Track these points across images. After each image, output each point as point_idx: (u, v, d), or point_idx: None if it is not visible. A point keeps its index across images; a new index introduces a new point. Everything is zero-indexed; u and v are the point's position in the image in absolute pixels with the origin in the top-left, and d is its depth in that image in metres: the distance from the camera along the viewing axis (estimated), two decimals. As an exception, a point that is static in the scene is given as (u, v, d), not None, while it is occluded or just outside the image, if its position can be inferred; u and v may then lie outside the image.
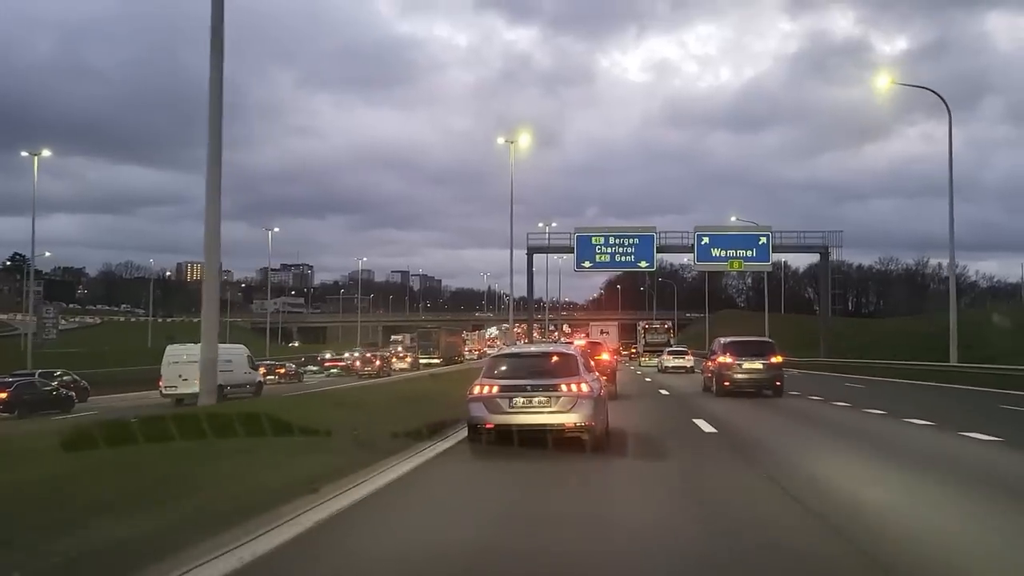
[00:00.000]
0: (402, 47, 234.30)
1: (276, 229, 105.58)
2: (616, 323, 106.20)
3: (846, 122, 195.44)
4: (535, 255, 59.19)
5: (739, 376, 24.88)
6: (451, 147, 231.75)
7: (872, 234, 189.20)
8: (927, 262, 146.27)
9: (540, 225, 61.54)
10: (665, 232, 57.97)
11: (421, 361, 74.67)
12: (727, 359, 25.43)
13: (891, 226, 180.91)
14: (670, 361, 46.96)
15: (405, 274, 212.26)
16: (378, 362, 61.09)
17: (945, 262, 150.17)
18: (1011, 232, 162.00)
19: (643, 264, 57.35)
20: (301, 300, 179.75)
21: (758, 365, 25.06)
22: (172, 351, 33.09)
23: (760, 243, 56.54)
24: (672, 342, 65.91)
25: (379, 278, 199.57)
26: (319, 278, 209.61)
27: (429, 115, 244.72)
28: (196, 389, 24.61)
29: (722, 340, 26.89)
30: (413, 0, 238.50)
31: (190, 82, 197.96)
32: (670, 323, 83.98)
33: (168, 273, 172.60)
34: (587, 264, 57.45)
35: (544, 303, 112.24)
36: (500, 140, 57.59)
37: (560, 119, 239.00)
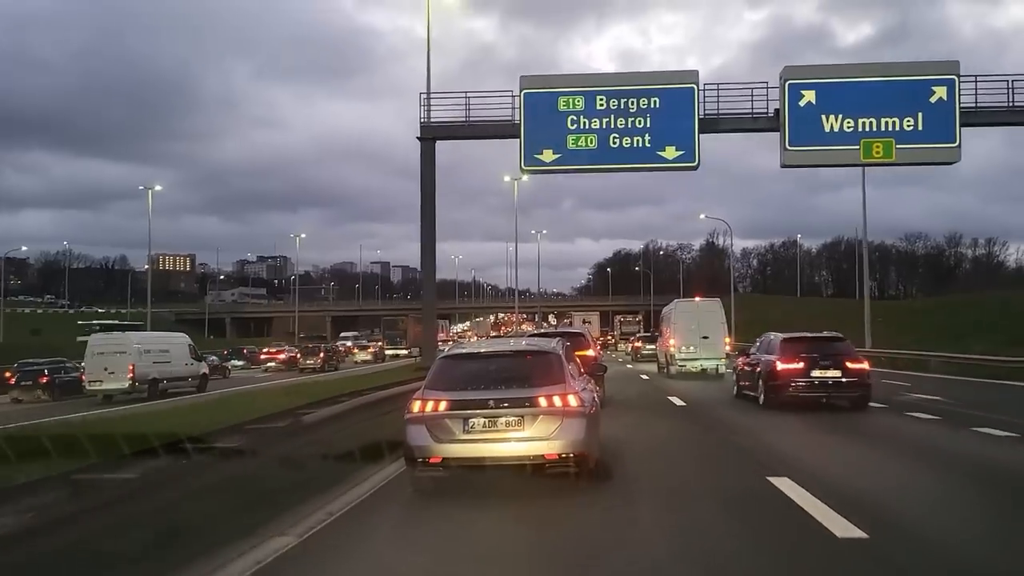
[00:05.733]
0: (361, 36, 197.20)
1: (158, 188, 70.59)
2: (597, 312, 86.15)
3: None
4: (439, 142, 24.65)
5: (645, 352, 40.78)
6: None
7: (842, 224, 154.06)
8: (959, 239, 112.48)
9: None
10: (720, 85, 23.46)
11: (388, 352, 63.64)
12: (637, 343, 47.70)
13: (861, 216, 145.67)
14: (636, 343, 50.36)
15: (385, 265, 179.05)
16: (321, 355, 48.46)
17: (982, 240, 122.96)
18: (984, 220, 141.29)
19: (670, 152, 22.82)
20: (263, 291, 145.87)
21: (652, 347, 38.08)
22: (96, 341, 26.73)
23: (933, 101, 22.19)
24: (640, 331, 63.58)
25: (360, 270, 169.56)
26: (300, 270, 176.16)
27: (393, 107, 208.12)
28: (124, 384, 25.07)
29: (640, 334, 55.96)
30: None
31: (144, 71, 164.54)
32: (641, 315, 79.20)
33: (113, 263, 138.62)
34: (548, 155, 23.02)
35: (514, 289, 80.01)
36: None
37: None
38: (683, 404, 16.83)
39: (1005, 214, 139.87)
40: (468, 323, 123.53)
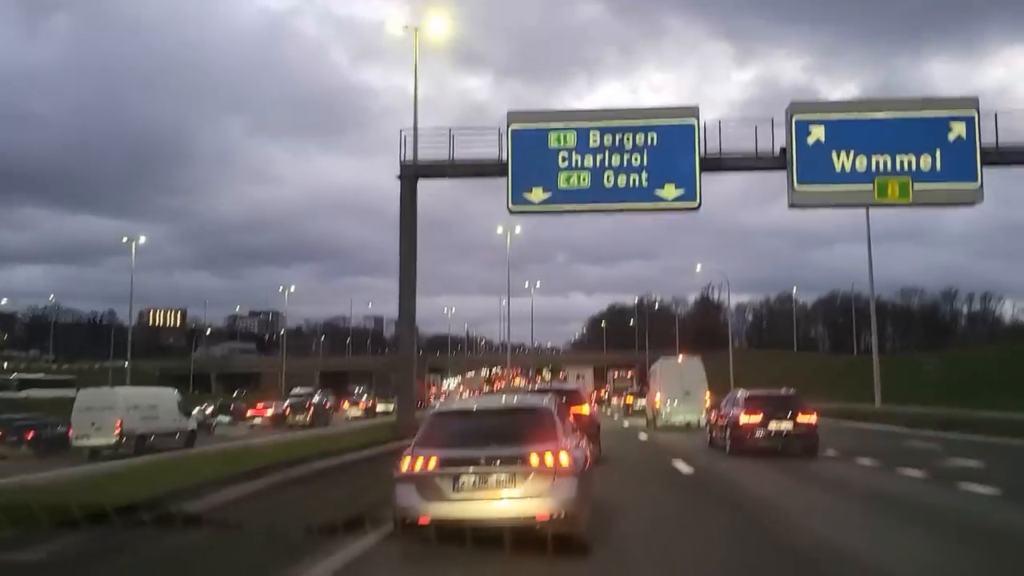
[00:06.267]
0: (356, 94, 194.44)
1: (142, 240, 68.29)
2: (591, 367, 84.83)
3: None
4: (422, 180, 22.70)
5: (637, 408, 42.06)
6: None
7: (836, 279, 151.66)
8: (955, 294, 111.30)
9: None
10: (723, 121, 21.38)
11: (379, 408, 62.00)
12: (628, 398, 49.80)
13: (855, 269, 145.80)
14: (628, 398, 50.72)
15: (378, 320, 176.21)
16: (311, 410, 47.44)
17: (978, 295, 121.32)
18: (976, 276, 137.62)
19: (668, 192, 20.98)
20: (252, 346, 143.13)
21: (643, 402, 38.87)
22: (84, 396, 26.45)
23: (951, 139, 20.48)
24: (632, 386, 62.91)
25: (352, 324, 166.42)
26: (289, 325, 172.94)
27: (387, 162, 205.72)
28: (111, 440, 24.49)
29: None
30: (365, 49, 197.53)
31: (140, 127, 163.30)
32: (634, 370, 77.05)
33: (101, 318, 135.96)
34: (538, 194, 21.11)
35: (506, 344, 78.00)
36: (401, 26, 24.32)
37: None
38: (689, 470, 14.59)
39: (998, 270, 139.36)
40: (460, 378, 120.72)
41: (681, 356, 35.11)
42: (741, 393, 18.77)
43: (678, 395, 29.83)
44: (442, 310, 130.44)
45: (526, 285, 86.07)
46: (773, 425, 17.04)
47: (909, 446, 19.28)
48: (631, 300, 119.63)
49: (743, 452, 16.96)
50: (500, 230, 63.72)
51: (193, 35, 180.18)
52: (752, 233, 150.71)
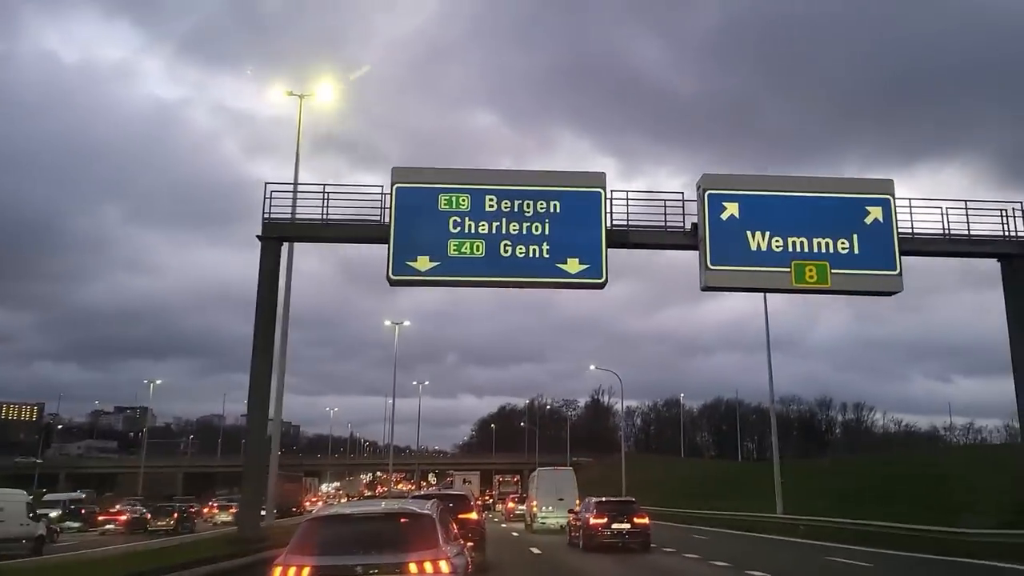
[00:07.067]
0: (246, 186, 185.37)
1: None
2: (478, 472, 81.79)
3: (684, 277, 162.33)
4: (292, 244, 19.41)
5: (518, 513, 43.74)
6: (299, 289, 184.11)
7: (718, 386, 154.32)
8: (830, 402, 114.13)
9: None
10: (633, 195, 19.11)
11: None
12: (510, 504, 51.26)
13: (735, 378, 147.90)
14: (510, 504, 51.93)
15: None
16: (175, 515, 42.96)
17: (851, 404, 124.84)
18: (839, 385, 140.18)
19: (572, 266, 18.39)
20: (114, 444, 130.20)
21: (523, 508, 40.93)
22: None
23: (868, 222, 18.98)
24: (519, 491, 64.12)
25: (229, 423, 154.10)
26: (160, 422, 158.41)
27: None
28: None
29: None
30: (258, 141, 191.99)
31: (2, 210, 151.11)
32: (521, 475, 76.92)
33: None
34: (424, 263, 18.10)
35: (386, 444, 72.99)
36: (286, 93, 24.83)
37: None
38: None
39: (865, 382, 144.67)
40: (339, 482, 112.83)
41: (556, 467, 39.87)
42: (593, 500, 22.58)
43: (552, 501, 33.63)
44: (325, 410, 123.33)
45: (414, 383, 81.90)
46: (616, 525, 20.90)
47: (831, 563, 16.66)
48: (522, 402, 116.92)
49: (593, 548, 20.74)
50: (388, 323, 60.32)
51: (73, 119, 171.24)
52: (639, 339, 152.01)
